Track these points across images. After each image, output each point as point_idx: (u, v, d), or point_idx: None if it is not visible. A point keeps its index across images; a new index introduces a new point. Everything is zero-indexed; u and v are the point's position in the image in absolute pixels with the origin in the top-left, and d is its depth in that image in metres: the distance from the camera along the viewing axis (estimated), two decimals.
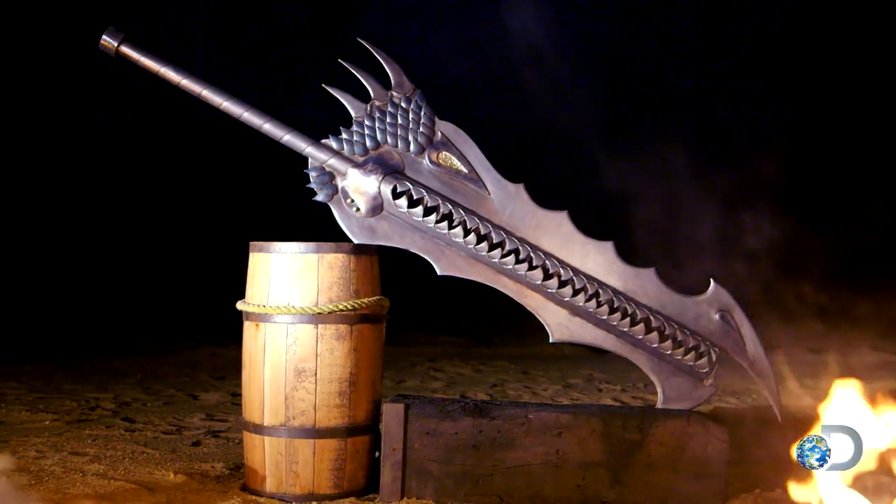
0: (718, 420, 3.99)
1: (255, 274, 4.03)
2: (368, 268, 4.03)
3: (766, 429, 5.31)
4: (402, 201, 4.07)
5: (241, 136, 4.48)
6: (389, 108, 4.12)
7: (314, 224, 4.40)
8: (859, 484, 3.56)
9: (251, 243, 4.08)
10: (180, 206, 11.85)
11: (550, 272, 4.07)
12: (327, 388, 3.89)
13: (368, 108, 4.12)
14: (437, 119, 4.13)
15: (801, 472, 3.73)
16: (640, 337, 4.08)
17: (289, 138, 4.10)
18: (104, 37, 4.10)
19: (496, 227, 4.08)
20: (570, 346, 9.06)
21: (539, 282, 4.06)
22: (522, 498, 3.86)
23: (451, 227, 4.06)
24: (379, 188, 4.07)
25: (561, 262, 4.08)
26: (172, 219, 11.79)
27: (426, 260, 4.09)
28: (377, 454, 4.00)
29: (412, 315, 8.55)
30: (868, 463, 3.53)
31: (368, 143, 4.10)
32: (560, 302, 4.08)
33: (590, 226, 4.08)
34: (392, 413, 3.91)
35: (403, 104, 4.12)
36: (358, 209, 4.08)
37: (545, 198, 4.05)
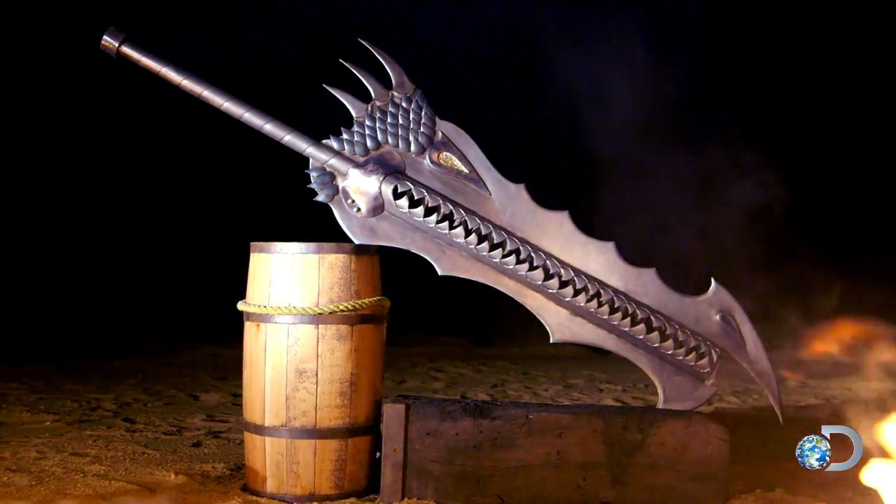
0: (719, 420, 3.99)
1: (255, 274, 4.03)
2: (369, 268, 4.03)
3: (766, 429, 5.32)
4: (403, 201, 4.07)
5: (242, 136, 4.48)
6: (390, 109, 4.12)
7: (315, 224, 4.40)
8: None
9: (252, 244, 4.08)
10: (181, 206, 11.85)
11: (551, 272, 4.07)
12: (328, 389, 3.89)
13: (369, 108, 4.12)
14: (437, 119, 4.13)
15: (803, 472, 3.74)
16: (641, 337, 4.08)
17: (290, 139, 4.10)
18: (105, 37, 4.10)
19: (497, 227, 4.08)
20: (570, 347, 9.06)
21: (540, 282, 4.06)
22: (523, 498, 3.86)
23: (452, 227, 4.06)
24: (380, 188, 4.07)
25: (562, 262, 4.08)
26: (173, 220, 11.79)
27: (427, 260, 4.09)
28: (378, 455, 4.00)
29: (413, 315, 8.54)
30: None
31: (369, 143, 4.10)
32: (561, 302, 4.08)
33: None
34: (393, 413, 3.91)
35: (404, 104, 4.12)
36: (359, 209, 4.08)
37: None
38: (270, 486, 3.93)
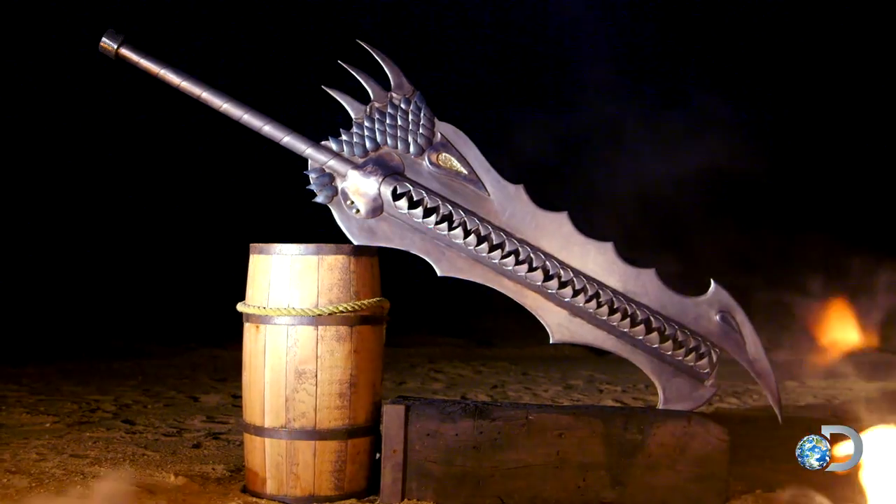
0: (719, 421, 3.99)
1: (255, 275, 4.03)
2: (368, 269, 4.03)
3: (766, 429, 5.32)
4: (403, 203, 4.07)
5: (242, 137, 4.48)
6: (389, 110, 4.12)
7: (314, 225, 4.40)
8: None
9: (251, 245, 4.08)
10: (181, 207, 11.86)
11: (551, 273, 4.07)
12: (328, 390, 3.89)
13: (368, 109, 4.12)
14: (436, 120, 4.13)
15: (803, 472, 3.74)
16: (641, 338, 4.08)
17: (289, 140, 4.10)
18: (104, 39, 4.10)
19: (496, 228, 4.08)
20: (570, 347, 9.07)
21: (539, 283, 4.06)
22: (523, 499, 3.86)
23: (451, 228, 4.06)
24: (379, 189, 4.07)
25: (561, 263, 4.08)
26: (173, 220, 11.79)
27: (426, 261, 4.10)
28: (378, 456, 4.00)
29: (412, 316, 8.55)
30: None
31: (368, 144, 4.10)
32: (560, 303, 4.08)
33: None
34: (392, 414, 3.91)
35: (403, 105, 4.12)
36: (358, 210, 4.08)
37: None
38: (270, 488, 3.93)
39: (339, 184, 4.09)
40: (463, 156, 4.12)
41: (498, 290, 4.09)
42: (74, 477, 4.21)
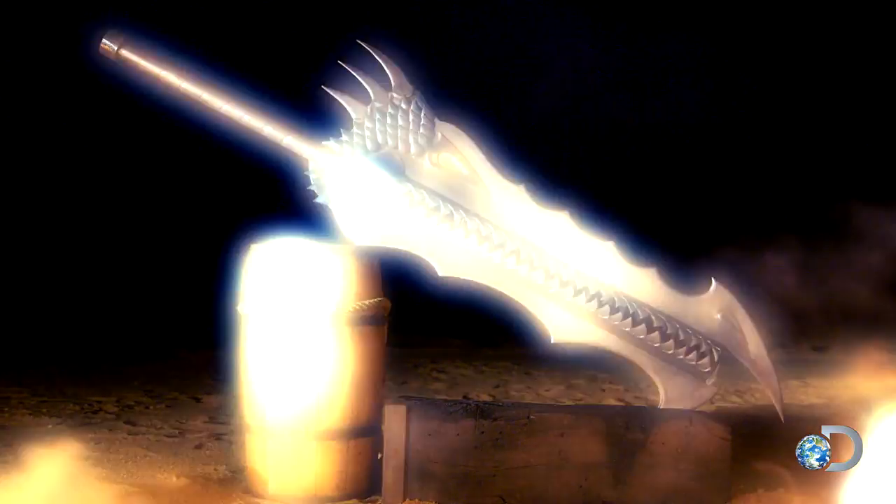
0: (721, 420, 3.99)
1: (255, 276, 4.02)
2: (369, 269, 4.03)
3: (768, 428, 5.31)
4: (403, 203, 4.06)
5: (242, 137, 4.48)
6: (389, 110, 4.11)
7: (314, 226, 4.39)
8: None
9: (251, 245, 4.08)
10: (180, 207, 11.85)
11: (552, 273, 4.06)
12: (329, 390, 3.89)
13: (368, 109, 4.12)
14: (437, 120, 4.13)
15: (806, 471, 3.73)
16: (642, 337, 4.08)
17: (289, 140, 4.10)
18: (104, 40, 4.10)
19: (497, 228, 4.07)
20: (572, 347, 9.04)
21: (541, 282, 4.06)
22: (525, 499, 3.86)
23: (452, 228, 4.06)
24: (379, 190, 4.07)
25: (562, 262, 4.08)
26: (173, 221, 11.79)
27: (428, 261, 4.09)
28: (379, 456, 4.00)
29: (414, 316, 8.53)
30: None
31: (369, 144, 4.10)
32: (561, 302, 4.07)
33: None
34: (394, 414, 3.91)
35: (403, 106, 4.11)
36: (358, 211, 4.08)
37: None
38: (272, 488, 3.93)
39: (340, 184, 4.09)
40: (464, 156, 4.11)
41: (499, 290, 4.09)
42: (76, 478, 4.20)
